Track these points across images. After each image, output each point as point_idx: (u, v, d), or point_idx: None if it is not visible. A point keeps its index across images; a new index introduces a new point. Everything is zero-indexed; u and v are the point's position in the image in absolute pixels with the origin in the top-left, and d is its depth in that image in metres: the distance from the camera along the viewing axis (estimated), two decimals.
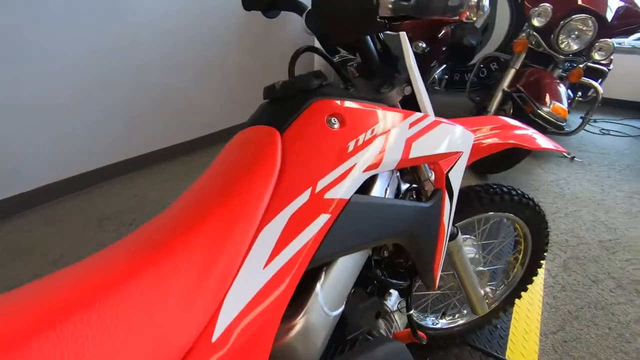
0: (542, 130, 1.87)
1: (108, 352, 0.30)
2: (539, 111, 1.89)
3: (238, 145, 0.51)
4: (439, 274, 0.71)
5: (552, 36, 1.99)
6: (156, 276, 0.35)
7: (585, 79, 2.19)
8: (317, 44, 0.83)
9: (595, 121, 3.57)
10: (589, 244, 1.75)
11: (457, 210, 0.94)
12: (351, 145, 0.49)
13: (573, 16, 1.92)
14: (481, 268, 1.04)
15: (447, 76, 3.26)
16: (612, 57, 2.17)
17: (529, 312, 1.35)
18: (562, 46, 2.00)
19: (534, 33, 2.07)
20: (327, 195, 0.46)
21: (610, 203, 2.12)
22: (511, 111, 2.17)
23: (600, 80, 2.43)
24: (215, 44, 2.74)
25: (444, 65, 3.05)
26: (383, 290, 0.74)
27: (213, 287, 0.37)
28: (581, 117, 2.26)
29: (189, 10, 2.49)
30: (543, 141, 0.90)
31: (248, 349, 0.39)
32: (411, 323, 0.77)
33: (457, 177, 0.67)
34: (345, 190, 0.47)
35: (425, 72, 2.91)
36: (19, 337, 0.28)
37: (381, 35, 0.64)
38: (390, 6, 0.45)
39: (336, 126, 0.49)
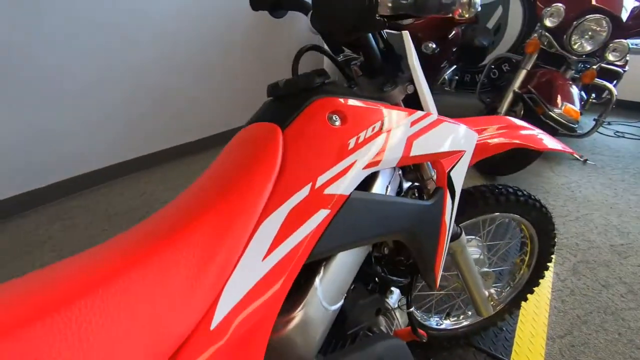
0: (554, 132, 1.85)
1: (111, 337, 0.32)
2: (550, 113, 1.86)
3: (241, 142, 0.52)
4: (440, 272, 0.71)
5: (565, 37, 1.96)
6: (158, 265, 0.36)
7: (599, 81, 2.15)
8: (323, 44, 0.83)
9: (609, 123, 3.50)
10: (600, 248, 1.72)
11: (462, 211, 0.94)
12: (352, 142, 0.50)
13: (587, 16, 1.89)
14: (486, 269, 1.03)
15: (457, 77, 3.23)
16: (627, 58, 2.13)
17: (535, 315, 1.33)
18: (575, 47, 1.96)
19: (546, 33, 2.04)
20: (327, 191, 0.47)
21: (623, 207, 2.07)
22: (522, 113, 2.14)
23: (615, 82, 2.38)
24: (219, 44, 2.76)
25: (455, 66, 3.03)
26: (384, 287, 0.74)
27: (212, 277, 0.39)
28: (594, 119, 2.22)
29: (189, 10, 2.50)
30: (550, 142, 0.89)
31: (246, 338, 0.40)
32: (412, 321, 0.77)
33: (459, 176, 0.67)
34: (345, 187, 0.48)
35: (435, 73, 2.89)
36: (26, 321, 0.29)
37: (384, 34, 0.65)
38: (389, 4, 0.45)
39: (337, 123, 0.50)
